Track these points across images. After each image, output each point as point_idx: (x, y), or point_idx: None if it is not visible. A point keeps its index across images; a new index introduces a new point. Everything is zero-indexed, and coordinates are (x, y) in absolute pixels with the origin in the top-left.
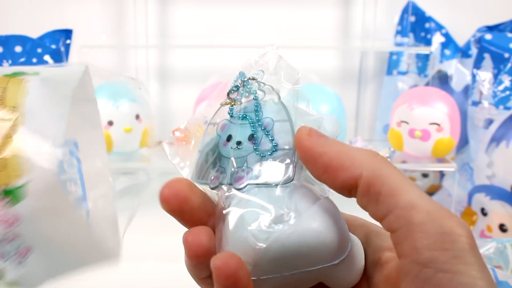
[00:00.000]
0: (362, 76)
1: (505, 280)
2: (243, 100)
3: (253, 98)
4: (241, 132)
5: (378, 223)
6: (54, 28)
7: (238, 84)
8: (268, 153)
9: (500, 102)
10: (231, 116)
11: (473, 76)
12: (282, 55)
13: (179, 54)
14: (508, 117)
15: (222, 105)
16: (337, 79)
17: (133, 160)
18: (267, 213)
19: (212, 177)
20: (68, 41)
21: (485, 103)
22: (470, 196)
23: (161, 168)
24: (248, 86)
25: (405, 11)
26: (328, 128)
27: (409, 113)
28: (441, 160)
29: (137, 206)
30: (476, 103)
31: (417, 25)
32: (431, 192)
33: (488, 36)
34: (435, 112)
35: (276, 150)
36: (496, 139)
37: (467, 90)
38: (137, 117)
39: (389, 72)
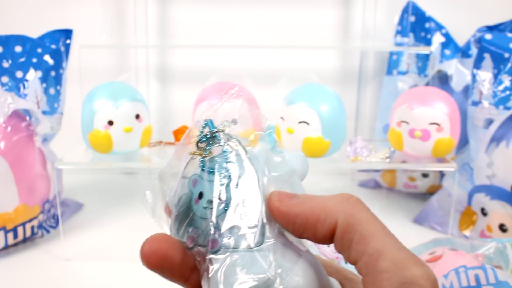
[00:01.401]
0: (362, 76)
1: (505, 280)
2: (213, 151)
3: (222, 152)
4: (211, 190)
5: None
6: (54, 28)
7: (207, 134)
8: (240, 213)
9: (500, 102)
10: (202, 170)
11: (473, 76)
12: (248, 100)
13: (179, 54)
14: (508, 117)
15: (191, 155)
16: (337, 79)
17: (133, 160)
18: (252, 279)
19: (188, 238)
20: (68, 41)
21: (485, 103)
22: (470, 196)
23: (161, 168)
24: (217, 139)
25: (405, 11)
26: (298, 168)
27: (409, 113)
28: (441, 160)
29: None
30: (476, 103)
31: (417, 25)
32: (431, 192)
33: (488, 36)
34: (435, 112)
35: (246, 211)
36: (496, 139)
37: (467, 90)
38: (137, 117)
39: (389, 72)
